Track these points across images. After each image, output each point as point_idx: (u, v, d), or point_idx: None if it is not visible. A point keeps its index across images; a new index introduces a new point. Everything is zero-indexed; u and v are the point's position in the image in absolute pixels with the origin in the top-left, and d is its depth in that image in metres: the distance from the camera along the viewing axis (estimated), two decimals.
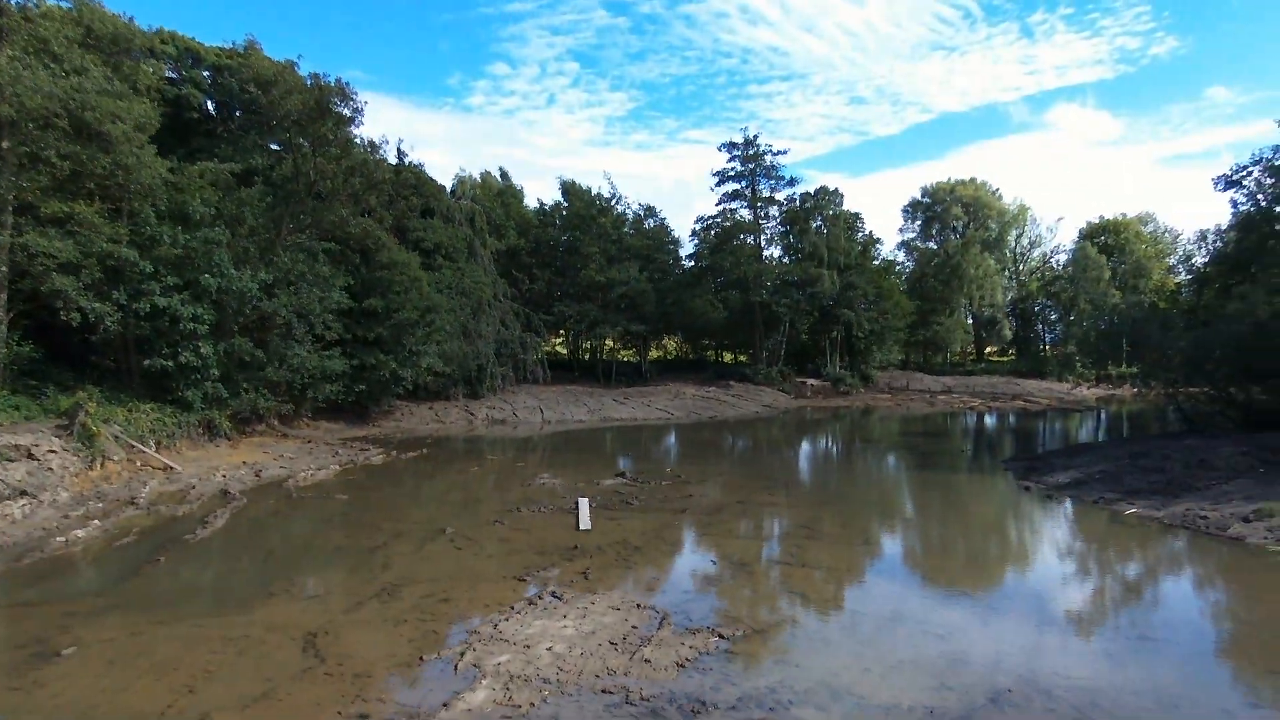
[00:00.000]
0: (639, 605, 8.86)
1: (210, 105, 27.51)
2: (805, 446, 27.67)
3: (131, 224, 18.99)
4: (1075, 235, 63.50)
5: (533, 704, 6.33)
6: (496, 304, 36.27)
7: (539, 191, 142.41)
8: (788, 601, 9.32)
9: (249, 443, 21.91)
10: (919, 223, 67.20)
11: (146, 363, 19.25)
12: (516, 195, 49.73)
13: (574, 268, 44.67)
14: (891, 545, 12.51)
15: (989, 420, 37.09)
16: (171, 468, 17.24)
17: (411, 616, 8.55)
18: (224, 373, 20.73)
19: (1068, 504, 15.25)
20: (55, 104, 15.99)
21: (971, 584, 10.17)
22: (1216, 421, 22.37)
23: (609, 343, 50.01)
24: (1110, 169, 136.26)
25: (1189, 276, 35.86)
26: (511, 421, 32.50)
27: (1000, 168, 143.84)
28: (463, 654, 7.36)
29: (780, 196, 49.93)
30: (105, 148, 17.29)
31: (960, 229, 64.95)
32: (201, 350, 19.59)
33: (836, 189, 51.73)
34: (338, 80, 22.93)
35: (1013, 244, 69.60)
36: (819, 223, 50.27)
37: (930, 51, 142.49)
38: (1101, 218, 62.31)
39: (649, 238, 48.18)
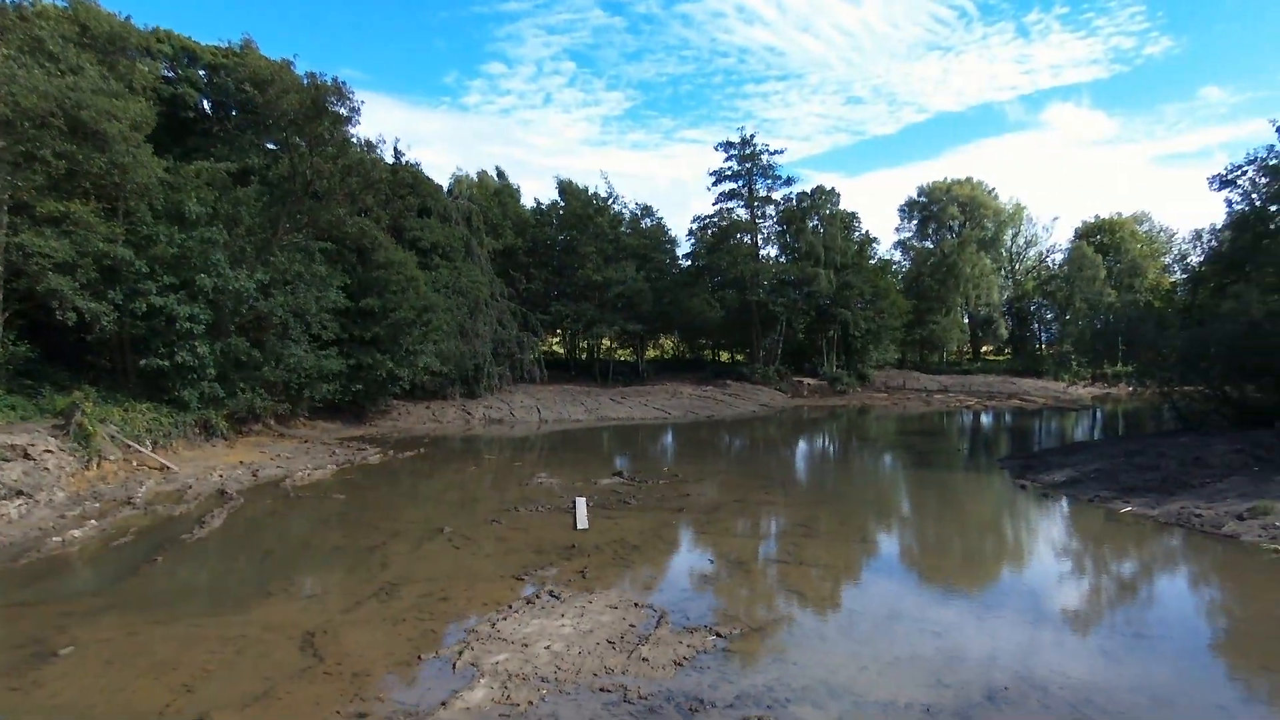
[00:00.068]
0: (636, 604, 8.88)
1: (206, 104, 27.44)
2: (802, 445, 27.72)
3: (127, 223, 18.95)
4: (1071, 234, 63.70)
5: (531, 703, 6.35)
6: (493, 303, 36.25)
7: (536, 191, 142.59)
8: (785, 600, 9.35)
9: (246, 442, 21.87)
10: (915, 222, 67.36)
11: (143, 362, 19.20)
12: (513, 194, 49.69)
13: (571, 267, 44.68)
14: (888, 543, 12.56)
15: (985, 419, 37.19)
16: (168, 467, 17.21)
17: (409, 616, 8.56)
18: (220, 372, 20.69)
19: (1063, 502, 15.32)
20: (51, 103, 15.96)
21: (968, 582, 10.21)
22: (1211, 420, 22.49)
23: (606, 342, 49.99)
24: (1105, 168, 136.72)
25: (1184, 276, 35.91)
26: (508, 421, 32.49)
27: (996, 167, 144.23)
28: (461, 653, 7.38)
29: (777, 196, 50.06)
30: (101, 147, 17.26)
31: (956, 228, 65.08)
32: (198, 350, 19.55)
33: (833, 188, 51.90)
34: (334, 79, 22.93)
35: (1009, 243, 69.76)
36: (815, 222, 50.33)
37: (926, 51, 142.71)
38: (1097, 217, 62.63)
39: (646, 237, 48.18)
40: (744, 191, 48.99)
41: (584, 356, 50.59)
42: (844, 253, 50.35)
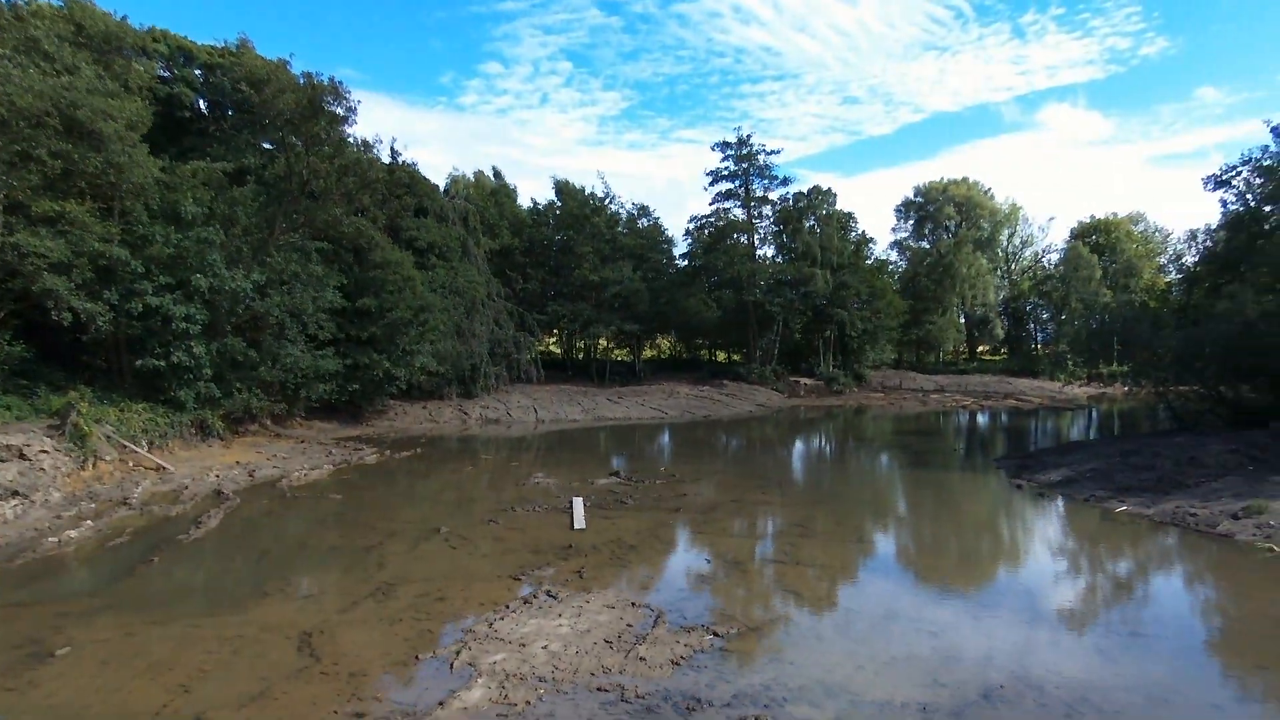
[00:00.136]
0: (634, 604, 8.89)
1: (202, 104, 27.38)
2: (799, 445, 27.75)
3: (123, 223, 18.89)
4: (1067, 234, 64.06)
5: (528, 702, 6.35)
6: (490, 303, 36.23)
7: (532, 191, 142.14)
8: (782, 599, 9.37)
9: (242, 443, 21.82)
10: (912, 222, 67.54)
11: (139, 362, 19.14)
12: (510, 194, 49.63)
13: (568, 267, 44.66)
14: (884, 543, 12.59)
15: (981, 419, 37.27)
16: (164, 468, 17.17)
17: (407, 616, 8.56)
18: (217, 372, 20.64)
19: (1059, 502, 15.37)
20: (46, 102, 15.90)
21: (964, 581, 10.24)
22: (1206, 420, 22.58)
23: (603, 342, 50.01)
24: (1101, 169, 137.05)
25: (1179, 276, 36.12)
26: (505, 421, 32.47)
27: (992, 167, 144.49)
28: (458, 653, 7.38)
29: (773, 196, 50.06)
30: (97, 146, 17.20)
31: (953, 228, 65.22)
32: (194, 350, 19.51)
33: (829, 188, 51.91)
34: (330, 79, 22.84)
35: (1005, 243, 69.98)
36: (812, 222, 50.39)
37: (923, 51, 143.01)
38: (1092, 217, 62.92)
39: (642, 237, 48.17)
40: (740, 191, 49.01)
41: (581, 356, 50.56)
42: (840, 253, 50.42)
